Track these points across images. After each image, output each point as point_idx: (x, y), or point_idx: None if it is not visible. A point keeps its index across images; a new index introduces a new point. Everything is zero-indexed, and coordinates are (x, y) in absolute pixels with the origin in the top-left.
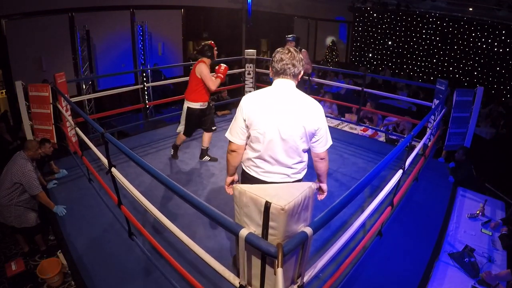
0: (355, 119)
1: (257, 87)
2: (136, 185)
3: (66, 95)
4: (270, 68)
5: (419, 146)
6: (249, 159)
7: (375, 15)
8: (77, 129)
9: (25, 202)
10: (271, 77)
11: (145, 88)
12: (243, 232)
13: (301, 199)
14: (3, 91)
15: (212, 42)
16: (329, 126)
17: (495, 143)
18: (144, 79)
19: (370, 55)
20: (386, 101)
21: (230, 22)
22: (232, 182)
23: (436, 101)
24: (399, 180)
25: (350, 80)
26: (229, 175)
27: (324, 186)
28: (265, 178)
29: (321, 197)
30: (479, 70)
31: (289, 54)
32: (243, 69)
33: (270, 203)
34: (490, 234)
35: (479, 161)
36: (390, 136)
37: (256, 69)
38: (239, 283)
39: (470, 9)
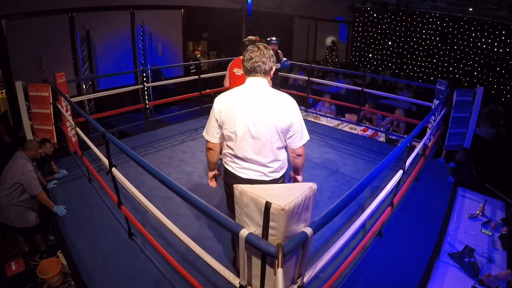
0: (355, 119)
1: None
2: (136, 185)
3: (66, 95)
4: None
5: (419, 146)
6: (225, 155)
7: (375, 15)
8: (77, 129)
9: (25, 202)
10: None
11: (145, 88)
12: (243, 232)
13: (301, 200)
14: (3, 91)
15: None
16: (329, 126)
17: (495, 143)
18: (144, 79)
19: (370, 55)
20: (386, 101)
21: (230, 22)
22: (214, 177)
23: (436, 101)
24: (399, 180)
25: (350, 80)
26: (210, 170)
27: (300, 178)
28: (241, 174)
29: None
30: (479, 70)
31: (259, 51)
32: None
33: (271, 203)
34: (490, 234)
35: (479, 161)
36: (390, 136)
37: None
38: (239, 283)
39: (470, 9)
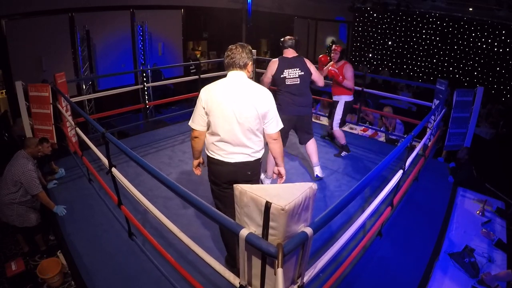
0: (355, 119)
1: None
2: (136, 185)
3: (66, 95)
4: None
5: (419, 146)
6: (212, 144)
7: (375, 15)
8: (77, 129)
9: (27, 202)
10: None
11: (145, 88)
12: (244, 232)
13: (301, 200)
14: (3, 91)
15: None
16: None
17: (495, 143)
18: (144, 79)
19: (370, 55)
20: (386, 101)
21: (230, 22)
22: (199, 164)
23: (436, 101)
24: (399, 180)
25: None
26: (195, 158)
27: (282, 170)
28: (229, 159)
29: (280, 181)
30: (479, 70)
31: (236, 49)
32: None
33: (271, 203)
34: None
35: (479, 161)
36: (390, 136)
37: (256, 69)
38: (239, 283)
39: (470, 9)
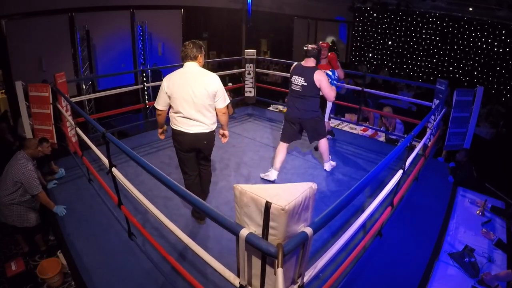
0: (355, 119)
1: (257, 87)
2: (136, 185)
3: (66, 95)
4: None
5: (419, 146)
6: (175, 119)
7: (375, 15)
8: (77, 129)
9: (27, 202)
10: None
11: (145, 88)
12: (243, 232)
13: (301, 199)
14: (3, 91)
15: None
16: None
17: (495, 143)
18: (144, 79)
19: (370, 55)
20: (386, 101)
21: (230, 22)
22: (163, 132)
23: (436, 101)
24: (399, 180)
25: (350, 80)
26: (160, 128)
27: (226, 132)
28: (188, 130)
29: (224, 140)
30: (479, 70)
31: (188, 45)
32: (243, 69)
33: (271, 203)
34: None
35: (479, 161)
36: (390, 136)
37: (256, 69)
38: (239, 283)
39: (470, 9)
